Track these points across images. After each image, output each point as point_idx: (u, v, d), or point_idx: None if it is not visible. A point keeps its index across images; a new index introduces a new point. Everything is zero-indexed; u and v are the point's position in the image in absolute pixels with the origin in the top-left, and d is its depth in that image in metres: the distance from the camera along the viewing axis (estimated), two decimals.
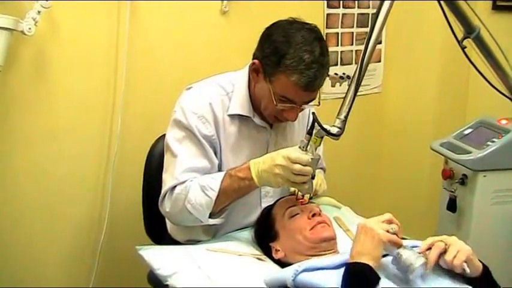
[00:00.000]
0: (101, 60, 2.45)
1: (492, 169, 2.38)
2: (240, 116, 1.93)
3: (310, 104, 1.86)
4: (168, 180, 1.87)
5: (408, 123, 3.54)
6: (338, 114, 1.74)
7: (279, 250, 1.79)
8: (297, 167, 1.67)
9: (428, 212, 3.44)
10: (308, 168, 1.69)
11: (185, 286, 1.67)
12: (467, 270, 1.48)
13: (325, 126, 1.69)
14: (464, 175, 2.44)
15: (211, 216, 1.83)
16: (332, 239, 1.76)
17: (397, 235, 1.54)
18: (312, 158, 1.70)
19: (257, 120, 1.95)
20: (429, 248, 1.53)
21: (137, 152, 2.33)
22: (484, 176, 2.38)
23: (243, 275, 1.71)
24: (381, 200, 3.42)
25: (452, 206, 2.48)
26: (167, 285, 1.72)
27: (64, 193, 2.47)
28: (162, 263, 1.76)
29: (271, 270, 1.70)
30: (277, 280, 1.58)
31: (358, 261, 1.49)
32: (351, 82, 1.78)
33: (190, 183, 1.82)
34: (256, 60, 1.85)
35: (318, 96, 1.84)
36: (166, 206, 1.86)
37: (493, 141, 2.40)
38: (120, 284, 2.63)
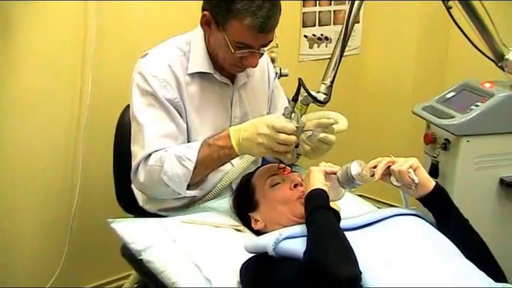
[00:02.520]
0: (69, 22, 2.35)
1: (476, 134, 2.32)
2: (201, 74, 1.86)
3: (268, 46, 1.79)
4: (138, 151, 1.78)
5: (387, 86, 3.47)
6: (323, 79, 1.68)
7: (258, 220, 1.72)
8: (282, 136, 1.60)
9: None
10: (293, 137, 1.61)
11: (160, 260, 1.60)
12: (415, 177, 1.52)
13: (312, 92, 1.61)
14: (447, 140, 2.38)
15: (188, 187, 1.75)
16: None
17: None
18: (297, 127, 1.62)
19: (218, 76, 1.88)
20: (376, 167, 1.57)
21: (109, 117, 2.23)
22: (468, 141, 2.32)
23: (220, 248, 1.65)
24: None
25: (434, 171, 2.42)
26: (141, 259, 1.64)
27: (33, 161, 2.38)
28: (135, 236, 1.68)
29: (252, 237, 1.63)
30: (258, 247, 1.51)
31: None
32: (336, 44, 1.71)
33: (165, 153, 1.74)
34: (206, 12, 1.76)
35: (274, 37, 1.77)
36: (140, 178, 1.78)
37: (477, 106, 2.33)
38: (94, 255, 2.58)
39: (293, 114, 1.64)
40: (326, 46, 3.24)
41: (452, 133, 2.32)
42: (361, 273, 1.26)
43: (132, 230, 1.71)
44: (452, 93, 2.52)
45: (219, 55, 1.81)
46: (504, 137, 2.37)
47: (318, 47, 3.25)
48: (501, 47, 2.35)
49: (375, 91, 3.51)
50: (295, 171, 1.80)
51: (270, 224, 1.69)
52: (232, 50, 1.72)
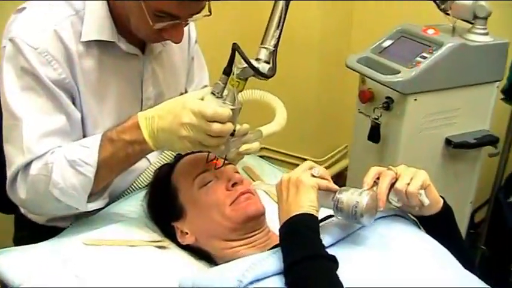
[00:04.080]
0: None
1: (424, 91, 1.99)
2: (100, 43, 1.35)
3: (198, 15, 1.31)
4: (14, 155, 1.28)
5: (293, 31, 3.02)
6: (263, 42, 1.24)
7: (186, 233, 1.33)
8: (216, 127, 1.16)
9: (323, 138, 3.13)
10: (229, 126, 1.19)
11: None
12: (426, 200, 1.13)
13: (253, 62, 1.19)
14: (389, 98, 2.04)
15: (89, 198, 1.29)
16: (260, 215, 1.30)
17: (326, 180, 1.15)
18: (233, 109, 1.20)
19: (124, 45, 1.39)
20: (374, 185, 1.15)
21: None
22: (415, 99, 1.99)
23: (141, 278, 1.22)
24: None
25: (375, 134, 2.08)
26: None
27: None
28: (23, 275, 1.20)
29: (189, 274, 1.19)
30: None
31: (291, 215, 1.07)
32: None
33: (52, 157, 1.26)
34: None
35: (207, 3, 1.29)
36: (19, 193, 1.29)
37: (424, 57, 1.98)
38: None
39: (225, 91, 1.21)
40: None
41: (398, 91, 1.97)
42: None
43: (17, 267, 1.22)
44: (390, 42, 2.15)
45: (132, 22, 1.31)
46: (451, 92, 2.05)
47: None
48: None
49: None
50: (229, 163, 1.38)
51: (203, 238, 1.32)
52: (151, 22, 1.25)
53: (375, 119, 2.07)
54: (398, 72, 1.98)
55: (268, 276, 1.02)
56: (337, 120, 3.14)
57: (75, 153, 1.25)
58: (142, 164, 1.50)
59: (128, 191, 1.53)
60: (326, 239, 1.09)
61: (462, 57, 2.00)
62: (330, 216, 1.18)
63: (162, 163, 1.51)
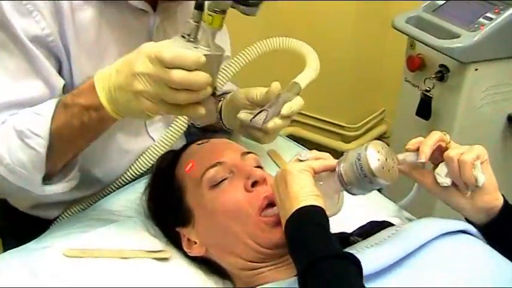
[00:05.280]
0: None
1: (486, 59, 1.70)
2: None
3: None
4: None
5: None
6: None
7: (195, 242, 1.06)
8: (178, 74, 0.87)
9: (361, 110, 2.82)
10: (197, 74, 0.89)
11: None
12: (481, 176, 0.94)
13: None
14: (444, 67, 1.75)
15: (48, 179, 1.05)
16: None
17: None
18: (207, 55, 0.91)
19: None
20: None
21: None
22: (476, 69, 1.70)
23: None
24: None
25: (425, 109, 1.79)
26: None
27: None
28: None
29: None
30: None
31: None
32: None
33: (1, 127, 1.03)
34: None
35: None
36: None
37: (489, 18, 1.69)
38: None
39: (200, 32, 0.94)
40: None
41: (455, 59, 1.68)
42: None
43: None
44: None
45: None
46: None
47: None
48: None
49: None
50: (250, 152, 1.10)
51: (215, 250, 1.05)
52: None
53: (426, 91, 1.80)
54: (457, 36, 1.70)
55: None
56: (374, 81, 2.83)
57: (24, 121, 1.00)
58: (143, 142, 1.25)
59: (125, 178, 1.26)
60: (370, 266, 0.83)
61: None
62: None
63: (168, 143, 1.23)
